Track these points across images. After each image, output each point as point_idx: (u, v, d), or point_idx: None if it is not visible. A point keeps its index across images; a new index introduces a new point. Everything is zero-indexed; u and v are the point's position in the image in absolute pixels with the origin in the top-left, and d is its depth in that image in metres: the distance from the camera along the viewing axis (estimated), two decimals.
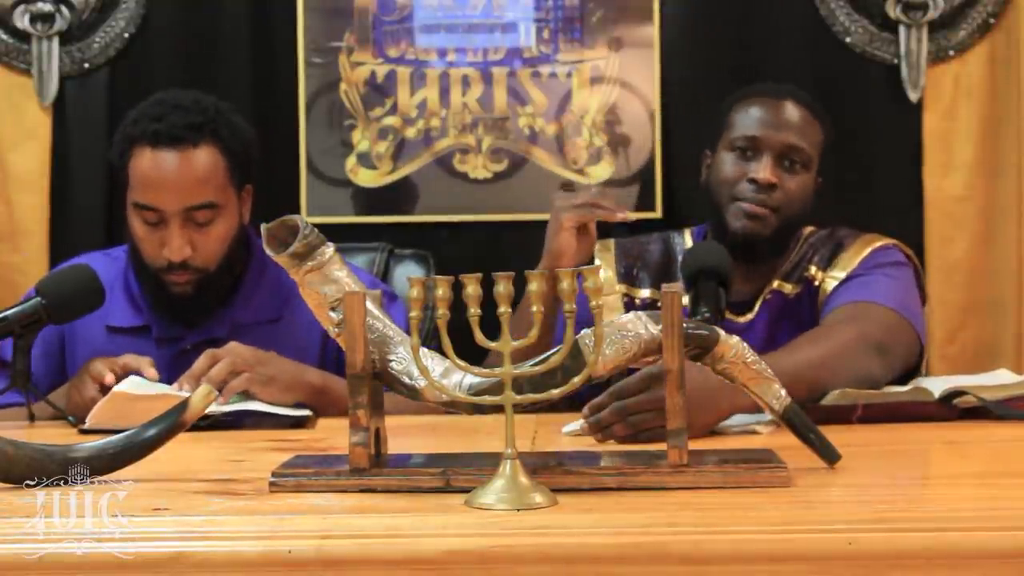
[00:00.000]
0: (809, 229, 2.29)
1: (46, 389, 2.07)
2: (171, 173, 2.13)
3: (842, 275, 2.17)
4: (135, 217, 2.17)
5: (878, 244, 2.22)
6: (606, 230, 2.26)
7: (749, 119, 2.21)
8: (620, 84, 2.90)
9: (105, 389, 1.93)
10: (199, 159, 2.14)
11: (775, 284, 2.22)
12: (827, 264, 2.20)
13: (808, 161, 2.20)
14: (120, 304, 2.23)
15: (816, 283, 2.19)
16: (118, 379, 1.95)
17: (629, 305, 2.26)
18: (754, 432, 1.68)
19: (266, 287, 2.26)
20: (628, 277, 2.29)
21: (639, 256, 2.32)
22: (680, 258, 2.28)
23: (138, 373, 1.97)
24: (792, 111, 2.22)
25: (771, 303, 2.21)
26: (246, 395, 1.96)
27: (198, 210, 2.13)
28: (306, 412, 1.96)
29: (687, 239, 2.34)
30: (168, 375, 2.03)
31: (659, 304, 2.23)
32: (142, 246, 2.17)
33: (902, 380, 2.03)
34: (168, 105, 2.18)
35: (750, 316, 2.21)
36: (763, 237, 2.17)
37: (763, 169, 2.16)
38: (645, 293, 2.29)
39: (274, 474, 1.30)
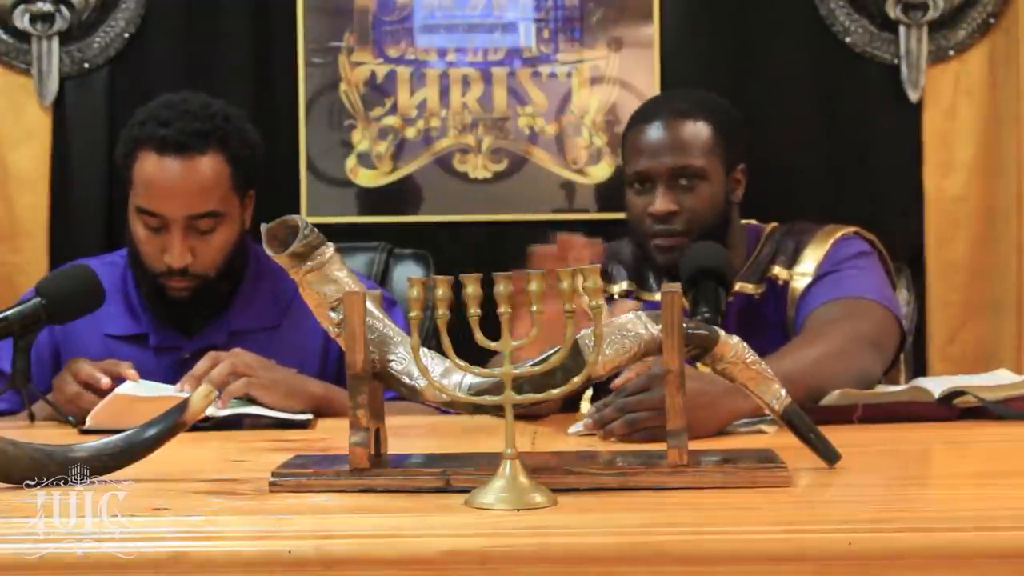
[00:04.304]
0: (772, 226, 2.27)
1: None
2: (175, 181, 2.11)
3: (808, 270, 2.15)
4: (137, 220, 2.15)
5: (839, 235, 2.20)
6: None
7: (636, 152, 2.18)
8: (620, 84, 2.90)
9: (94, 390, 1.93)
10: (204, 168, 2.12)
11: (736, 287, 2.20)
12: (791, 261, 2.18)
13: (703, 172, 2.14)
14: (118, 312, 2.21)
15: (781, 282, 2.18)
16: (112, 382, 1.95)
17: (609, 301, 2.26)
18: (760, 431, 1.68)
19: (264, 294, 2.25)
20: (603, 275, 2.28)
21: (612, 256, 2.32)
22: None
23: (119, 377, 1.96)
24: (672, 128, 2.16)
25: (734, 306, 2.19)
26: (247, 400, 1.96)
27: (201, 219, 2.12)
28: (307, 416, 1.95)
29: None
30: (167, 384, 2.01)
31: (634, 294, 2.27)
32: (143, 249, 2.16)
33: (887, 369, 2.05)
34: (177, 109, 2.15)
35: None
36: None
37: (658, 201, 2.13)
38: (623, 286, 2.28)
39: (274, 474, 1.30)
